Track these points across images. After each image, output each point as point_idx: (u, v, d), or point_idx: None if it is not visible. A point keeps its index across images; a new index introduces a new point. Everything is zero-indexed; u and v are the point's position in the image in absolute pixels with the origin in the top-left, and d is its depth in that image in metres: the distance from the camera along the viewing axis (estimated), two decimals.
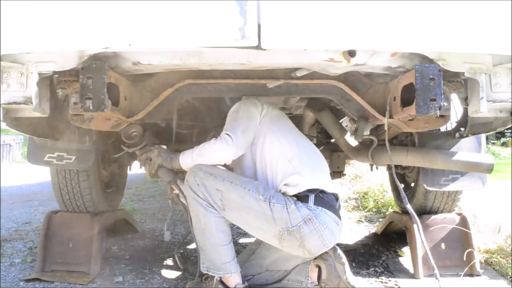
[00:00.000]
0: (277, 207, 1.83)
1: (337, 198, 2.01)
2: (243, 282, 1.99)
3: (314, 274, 2.04)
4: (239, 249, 2.68)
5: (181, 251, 2.90)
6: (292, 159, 1.95)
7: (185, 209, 2.07)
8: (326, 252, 2.00)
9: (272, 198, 1.85)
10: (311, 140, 3.14)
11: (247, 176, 2.04)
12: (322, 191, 1.92)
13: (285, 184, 1.91)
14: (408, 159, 2.22)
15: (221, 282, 1.98)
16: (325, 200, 1.91)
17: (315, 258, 2.03)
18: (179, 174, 2.09)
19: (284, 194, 1.90)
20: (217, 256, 1.93)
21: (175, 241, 3.14)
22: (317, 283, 2.03)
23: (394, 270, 2.59)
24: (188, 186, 1.92)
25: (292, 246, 1.89)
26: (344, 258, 1.99)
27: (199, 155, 1.96)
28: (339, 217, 1.95)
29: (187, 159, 2.00)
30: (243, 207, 1.86)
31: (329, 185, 1.98)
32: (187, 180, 1.94)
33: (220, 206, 1.89)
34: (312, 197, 1.88)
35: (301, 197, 1.88)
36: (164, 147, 2.47)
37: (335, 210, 1.94)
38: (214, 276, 1.97)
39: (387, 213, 3.92)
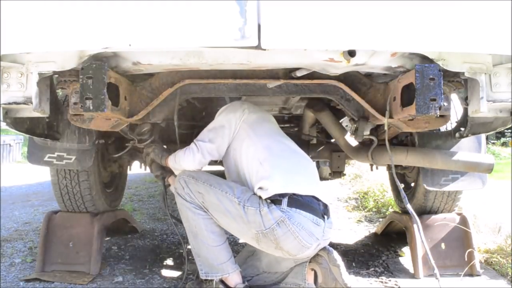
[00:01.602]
0: (250, 210, 1.86)
1: (317, 199, 1.97)
2: (243, 282, 2.00)
3: (311, 277, 2.04)
4: (239, 249, 2.68)
5: (181, 251, 2.90)
6: (264, 162, 1.96)
7: (165, 206, 2.31)
8: (320, 256, 1.99)
9: (246, 201, 1.88)
10: (311, 140, 3.15)
11: (232, 179, 2.10)
12: (296, 194, 1.90)
13: (259, 188, 1.91)
14: (408, 159, 2.22)
15: (222, 281, 1.99)
16: (301, 201, 1.90)
17: (310, 262, 2.03)
18: (168, 170, 2.30)
19: (259, 197, 1.90)
20: (213, 257, 1.96)
21: (175, 241, 3.15)
22: (314, 286, 2.02)
23: (394, 270, 2.59)
24: (177, 193, 2.03)
25: (269, 248, 1.92)
26: (340, 261, 1.97)
27: (175, 162, 2.14)
28: (321, 217, 1.93)
29: (171, 162, 2.18)
30: (221, 209, 1.92)
31: (307, 188, 1.96)
32: (175, 187, 2.06)
33: (203, 208, 1.97)
34: (285, 200, 1.86)
35: (275, 201, 1.87)
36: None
37: (313, 210, 1.91)
38: (214, 280, 1.99)
39: (387, 213, 3.92)
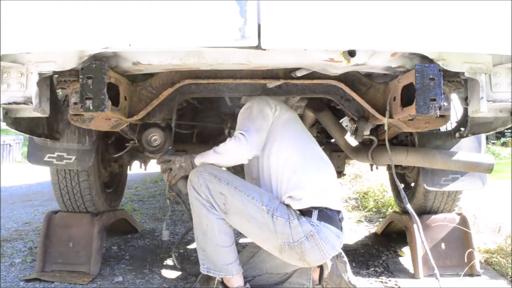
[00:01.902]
0: (279, 221, 1.81)
1: (339, 213, 1.96)
2: (245, 284, 1.98)
3: (316, 274, 2.04)
4: (239, 249, 2.68)
5: (181, 251, 2.91)
6: (297, 170, 1.90)
7: (186, 208, 2.07)
8: None
9: (275, 211, 1.82)
10: None
11: (253, 179, 2.03)
12: (326, 208, 1.88)
13: (289, 196, 1.87)
14: (408, 159, 2.22)
15: (222, 283, 1.96)
16: (329, 215, 1.88)
17: None
18: None
19: (287, 206, 1.86)
20: (219, 257, 1.90)
21: (175, 240, 3.14)
22: (318, 283, 2.02)
23: (394, 270, 2.59)
24: (191, 186, 1.90)
25: (292, 258, 1.90)
26: (346, 258, 1.99)
27: (216, 155, 1.93)
28: (341, 229, 1.93)
29: (210, 158, 1.96)
30: (245, 215, 1.84)
31: (334, 201, 1.94)
32: (190, 180, 1.91)
33: (223, 209, 1.87)
34: (315, 213, 1.84)
35: (305, 212, 1.85)
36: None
37: (337, 223, 1.91)
38: (215, 277, 1.95)
39: (387, 213, 3.92)
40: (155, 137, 2.11)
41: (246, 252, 2.22)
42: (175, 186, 2.08)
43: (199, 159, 1.99)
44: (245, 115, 2.00)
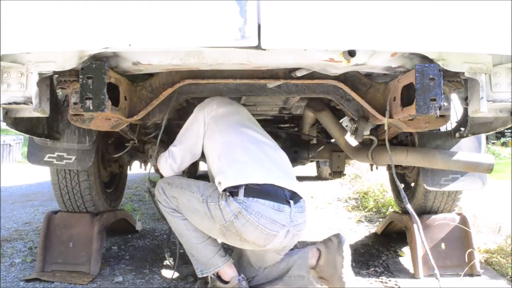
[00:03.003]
0: (211, 206, 1.89)
1: (278, 187, 1.91)
2: (239, 274, 2.02)
3: (314, 259, 2.04)
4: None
5: (181, 251, 2.90)
6: (221, 156, 1.98)
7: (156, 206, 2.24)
8: (331, 241, 2.01)
9: (208, 197, 1.92)
10: (311, 140, 3.15)
11: (210, 176, 2.13)
12: (251, 184, 1.86)
13: (218, 182, 1.92)
14: (408, 159, 2.22)
15: (218, 277, 2.02)
16: (258, 189, 1.86)
17: (320, 242, 2.06)
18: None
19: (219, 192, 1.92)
20: (201, 254, 2.02)
21: (175, 241, 3.14)
22: (314, 267, 2.02)
23: (394, 270, 2.59)
24: (156, 198, 2.13)
25: (235, 241, 1.93)
26: (347, 252, 1.96)
27: (159, 168, 2.22)
28: (286, 203, 1.88)
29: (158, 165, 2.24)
30: (191, 209, 1.97)
31: (265, 177, 1.91)
32: (155, 195, 2.15)
33: (178, 211, 2.03)
34: (241, 190, 1.84)
35: (233, 192, 1.86)
36: None
37: (273, 197, 1.86)
38: (212, 275, 2.02)
39: (387, 213, 3.92)
40: (150, 124, 2.31)
41: (234, 255, 2.24)
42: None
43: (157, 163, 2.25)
44: (181, 131, 2.18)
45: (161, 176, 2.33)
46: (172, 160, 2.13)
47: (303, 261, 2.05)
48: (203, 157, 2.17)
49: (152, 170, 2.50)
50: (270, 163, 2.01)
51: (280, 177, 1.96)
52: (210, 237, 2.03)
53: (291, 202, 1.91)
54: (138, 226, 2.47)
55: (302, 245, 2.19)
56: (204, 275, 2.04)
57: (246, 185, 1.85)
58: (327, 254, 1.99)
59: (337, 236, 2.01)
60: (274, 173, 1.97)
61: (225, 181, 1.88)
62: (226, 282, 2.00)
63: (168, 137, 2.69)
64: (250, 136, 2.09)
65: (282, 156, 2.12)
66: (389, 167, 2.91)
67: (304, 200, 2.00)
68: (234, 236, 1.88)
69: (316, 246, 2.06)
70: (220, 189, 1.89)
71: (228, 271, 2.01)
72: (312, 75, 1.88)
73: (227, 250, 2.17)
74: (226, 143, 2.02)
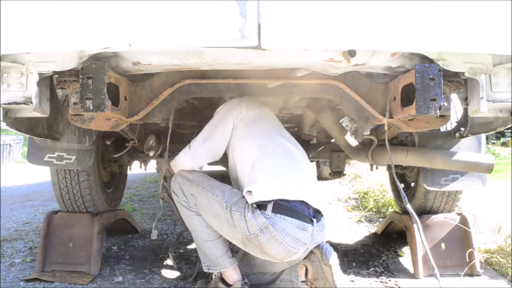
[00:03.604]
0: (236, 215, 1.87)
1: (306, 204, 1.93)
2: (243, 279, 2.01)
3: (302, 272, 2.04)
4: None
5: (181, 251, 2.91)
6: (255, 165, 1.94)
7: (176, 209, 2.20)
8: (313, 253, 1.98)
9: (233, 206, 1.89)
10: (311, 140, 3.15)
11: (233, 179, 2.11)
12: (282, 200, 1.87)
13: (247, 191, 1.89)
14: (408, 159, 2.22)
15: (221, 278, 2.02)
16: (286, 206, 1.87)
17: (304, 258, 2.02)
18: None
19: (245, 201, 1.89)
20: (209, 251, 2.03)
21: (177, 240, 3.14)
22: (304, 279, 2.02)
23: (394, 270, 2.59)
24: (172, 190, 2.10)
25: (256, 252, 1.93)
26: (333, 261, 1.94)
27: (174, 164, 2.18)
28: (309, 221, 1.89)
29: (171, 164, 2.21)
30: (211, 212, 1.95)
31: (295, 192, 1.92)
32: (170, 185, 2.12)
33: (195, 209, 2.02)
34: (270, 205, 1.84)
35: (260, 205, 1.85)
36: None
37: (299, 215, 1.88)
38: (213, 277, 2.03)
39: (387, 213, 3.92)
40: (152, 141, 2.32)
41: (242, 250, 2.24)
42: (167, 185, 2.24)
43: (171, 164, 2.23)
44: (209, 122, 2.15)
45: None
46: (191, 158, 2.10)
47: (293, 267, 2.05)
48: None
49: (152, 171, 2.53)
50: (300, 177, 2.01)
51: (307, 194, 1.96)
52: (221, 236, 2.02)
53: (314, 220, 1.92)
54: (154, 235, 2.41)
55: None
56: (210, 271, 2.06)
57: (276, 200, 1.85)
58: (314, 267, 1.98)
59: (318, 247, 1.98)
60: (303, 189, 1.97)
61: (257, 194, 1.85)
62: (229, 285, 2.01)
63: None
64: (283, 145, 2.07)
65: (310, 170, 2.12)
66: (389, 167, 2.91)
67: (324, 217, 2.02)
68: (256, 248, 1.88)
69: (302, 262, 2.02)
70: (250, 200, 1.86)
71: (233, 274, 2.02)
72: (312, 75, 1.88)
73: (234, 252, 2.18)
74: (260, 150, 1.98)
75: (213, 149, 2.09)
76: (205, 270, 2.07)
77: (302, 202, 1.92)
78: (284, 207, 1.86)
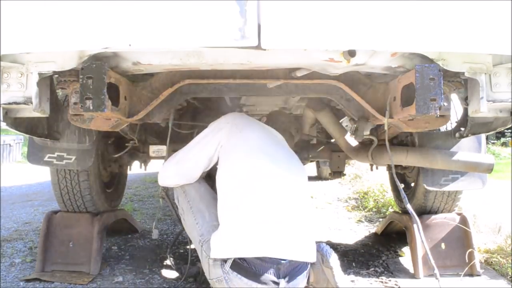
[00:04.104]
0: (203, 254, 1.85)
1: (276, 262, 1.73)
2: None
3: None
4: None
5: (181, 251, 2.90)
6: (224, 208, 1.84)
7: (173, 208, 2.24)
8: None
9: (204, 243, 1.85)
10: (311, 140, 3.15)
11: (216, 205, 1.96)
12: (242, 258, 1.72)
13: (212, 234, 1.82)
14: (408, 159, 2.22)
15: None
16: (244, 267, 1.72)
17: None
18: None
19: None
20: None
21: (176, 241, 3.14)
22: (306, 286, 1.98)
23: (394, 270, 2.59)
24: (176, 197, 2.11)
25: None
26: (334, 262, 1.88)
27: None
28: (273, 284, 1.72)
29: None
30: (191, 234, 1.98)
31: (263, 249, 1.73)
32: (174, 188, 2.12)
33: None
34: (230, 261, 1.74)
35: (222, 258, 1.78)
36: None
37: (258, 277, 1.72)
38: None
39: (387, 213, 3.92)
40: None
41: None
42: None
43: None
44: (191, 141, 2.06)
45: None
46: (166, 177, 2.08)
47: None
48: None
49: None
50: (282, 226, 1.80)
51: (286, 243, 1.78)
52: None
53: (282, 281, 1.74)
54: (155, 235, 2.41)
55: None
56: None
57: (235, 259, 1.74)
58: (315, 270, 1.91)
59: (319, 249, 1.91)
60: (278, 239, 1.77)
61: (216, 249, 1.77)
62: None
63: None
64: (269, 184, 1.85)
65: (302, 203, 1.92)
66: (389, 167, 2.92)
67: (307, 270, 1.84)
68: None
69: None
70: (211, 253, 1.78)
71: None
72: (312, 75, 1.88)
73: None
74: (236, 193, 1.84)
75: (183, 174, 2.03)
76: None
77: (271, 261, 1.73)
78: (242, 267, 1.73)
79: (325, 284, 1.91)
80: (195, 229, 1.93)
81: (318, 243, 1.96)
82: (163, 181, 2.10)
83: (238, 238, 1.77)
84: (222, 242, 1.78)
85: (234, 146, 1.93)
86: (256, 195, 1.83)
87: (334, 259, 1.91)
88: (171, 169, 2.05)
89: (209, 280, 1.85)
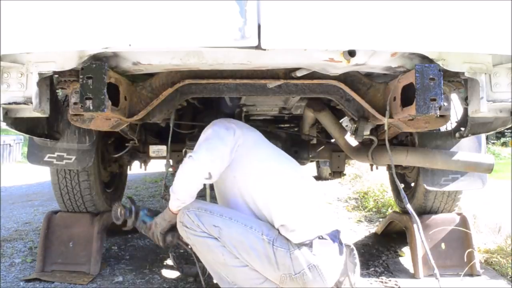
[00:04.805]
0: (280, 252, 1.73)
1: (337, 232, 1.90)
2: None
3: None
4: None
5: (181, 251, 2.90)
6: (285, 197, 1.83)
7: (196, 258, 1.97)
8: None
9: (275, 241, 1.75)
10: (311, 140, 3.15)
11: (231, 207, 1.90)
12: (322, 236, 1.81)
13: (281, 225, 1.78)
14: (408, 159, 2.22)
15: None
16: (328, 241, 1.81)
17: None
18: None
19: (284, 236, 1.78)
20: (251, 280, 1.80)
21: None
22: None
23: (394, 270, 2.59)
24: (184, 226, 1.79)
25: None
26: (358, 260, 1.95)
27: (175, 191, 1.83)
28: (341, 253, 1.87)
29: (172, 202, 1.86)
30: (244, 246, 1.74)
31: (328, 224, 1.88)
32: (180, 222, 1.81)
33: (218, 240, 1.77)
34: (316, 242, 1.77)
35: (305, 243, 1.77)
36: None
37: (338, 248, 1.85)
38: None
39: (387, 213, 3.92)
40: (122, 210, 2.08)
41: None
42: (167, 243, 2.00)
43: (170, 206, 1.88)
44: (200, 139, 1.91)
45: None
46: (199, 164, 1.78)
47: None
48: None
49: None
50: (322, 204, 1.96)
51: (331, 220, 1.93)
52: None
53: (342, 247, 1.89)
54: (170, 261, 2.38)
55: None
56: None
57: (319, 237, 1.79)
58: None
59: (348, 245, 1.98)
60: (330, 217, 1.93)
61: (300, 230, 1.76)
62: None
63: (168, 138, 2.70)
64: (297, 172, 1.98)
65: (320, 191, 2.04)
66: (389, 167, 2.91)
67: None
68: (296, 285, 1.77)
69: None
70: (292, 237, 1.75)
71: None
72: (312, 75, 1.88)
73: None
74: (283, 180, 1.86)
75: (219, 160, 1.83)
76: None
77: (335, 231, 1.89)
78: (327, 243, 1.80)
79: (343, 278, 1.92)
80: (252, 234, 1.74)
81: (348, 244, 2.01)
82: (198, 172, 1.78)
83: (315, 218, 1.85)
84: (303, 226, 1.78)
85: (255, 140, 1.97)
86: (298, 179, 1.93)
87: (357, 258, 1.97)
88: (202, 157, 1.79)
89: (295, 276, 1.73)
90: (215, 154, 1.81)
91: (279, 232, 1.79)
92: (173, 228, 1.93)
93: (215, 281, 1.92)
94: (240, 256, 1.76)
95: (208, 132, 1.91)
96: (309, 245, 1.77)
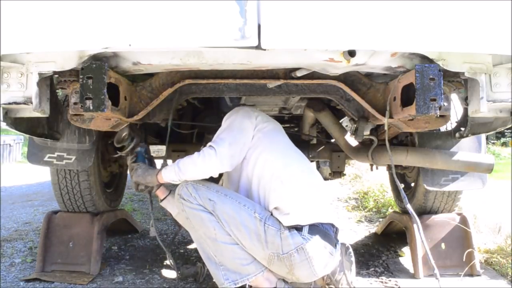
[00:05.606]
0: (271, 230, 1.78)
1: (333, 226, 1.93)
2: (284, 282, 1.90)
3: None
4: None
5: (181, 251, 2.90)
6: (286, 182, 1.87)
7: (179, 226, 2.13)
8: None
9: (267, 219, 1.80)
10: (311, 140, 3.15)
11: (240, 192, 1.95)
12: (316, 223, 1.84)
13: (275, 208, 1.84)
14: (408, 159, 2.22)
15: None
16: (321, 229, 1.85)
17: None
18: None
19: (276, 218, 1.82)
20: (232, 257, 1.82)
21: (175, 240, 3.14)
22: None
23: (394, 270, 2.59)
24: (181, 198, 1.84)
25: (281, 271, 1.85)
26: (353, 258, 1.98)
27: (182, 170, 1.85)
28: (335, 246, 1.89)
29: (170, 174, 1.90)
30: (236, 222, 1.79)
31: (326, 215, 1.92)
32: (178, 194, 1.86)
33: (214, 215, 1.82)
34: (306, 227, 1.81)
35: (297, 226, 1.81)
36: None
37: (331, 239, 1.87)
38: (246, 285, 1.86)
39: (387, 213, 3.92)
40: (125, 134, 2.12)
41: None
42: (136, 189, 2.12)
43: (163, 174, 1.93)
44: (223, 126, 1.96)
45: None
46: (220, 162, 1.83)
47: None
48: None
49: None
50: (325, 198, 2.00)
51: (330, 214, 1.94)
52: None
53: (337, 245, 1.91)
54: (152, 232, 2.34)
55: None
56: (238, 285, 1.83)
57: (311, 224, 1.82)
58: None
59: (344, 244, 2.00)
60: (329, 211, 1.96)
61: (294, 214, 1.80)
62: None
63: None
64: (305, 164, 2.03)
65: (326, 188, 2.09)
66: (389, 167, 2.91)
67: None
68: (283, 267, 1.80)
69: None
70: (285, 221, 1.79)
71: (270, 276, 1.88)
72: (312, 75, 1.88)
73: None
74: (289, 167, 1.91)
75: (238, 155, 1.90)
76: (232, 285, 1.82)
77: (331, 225, 1.91)
78: (319, 229, 1.83)
79: (340, 277, 1.93)
80: (244, 211, 1.79)
81: (343, 242, 2.03)
82: (213, 168, 1.83)
83: (311, 205, 1.88)
84: (297, 210, 1.82)
85: (271, 128, 2.00)
86: (305, 169, 1.98)
87: (353, 256, 2.01)
88: (224, 152, 1.83)
89: (282, 256, 1.77)
90: (235, 148, 1.88)
91: (271, 214, 1.84)
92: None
93: (207, 266, 1.94)
94: (231, 233, 1.80)
95: (232, 122, 1.96)
96: (301, 229, 1.81)
